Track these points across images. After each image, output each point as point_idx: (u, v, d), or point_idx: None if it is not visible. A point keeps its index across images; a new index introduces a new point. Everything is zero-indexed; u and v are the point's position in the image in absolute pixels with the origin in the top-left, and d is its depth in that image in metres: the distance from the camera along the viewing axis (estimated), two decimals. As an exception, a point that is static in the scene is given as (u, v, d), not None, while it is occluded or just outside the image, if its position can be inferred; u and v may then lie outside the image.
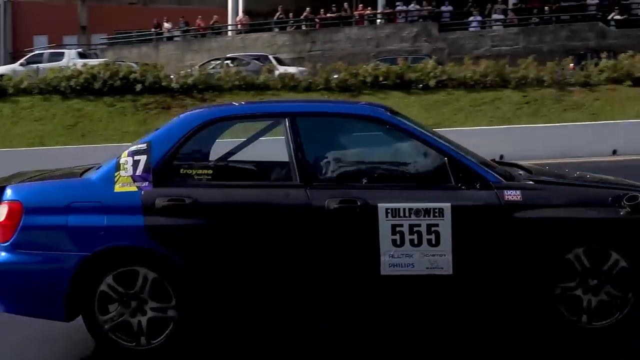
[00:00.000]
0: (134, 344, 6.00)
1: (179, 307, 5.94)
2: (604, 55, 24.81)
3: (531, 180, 6.20)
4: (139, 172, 5.96)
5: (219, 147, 6.70)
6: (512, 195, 5.94)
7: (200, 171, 6.10)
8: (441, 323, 6.55)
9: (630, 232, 6.04)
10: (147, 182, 5.93)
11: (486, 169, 6.09)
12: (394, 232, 5.86)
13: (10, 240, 5.88)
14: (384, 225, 5.83)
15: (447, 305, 6.28)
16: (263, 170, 6.66)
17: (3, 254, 5.90)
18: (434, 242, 5.86)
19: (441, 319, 6.62)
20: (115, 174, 5.99)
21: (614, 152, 19.53)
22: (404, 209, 5.86)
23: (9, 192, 6.00)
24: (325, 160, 6.22)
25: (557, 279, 6.04)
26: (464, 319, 6.57)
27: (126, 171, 5.98)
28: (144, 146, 6.05)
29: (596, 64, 23.80)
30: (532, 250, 5.91)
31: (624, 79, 22.77)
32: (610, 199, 6.06)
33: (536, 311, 6.15)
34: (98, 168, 6.24)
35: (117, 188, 5.92)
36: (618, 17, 35.07)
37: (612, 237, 6.06)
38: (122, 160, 6.03)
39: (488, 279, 5.96)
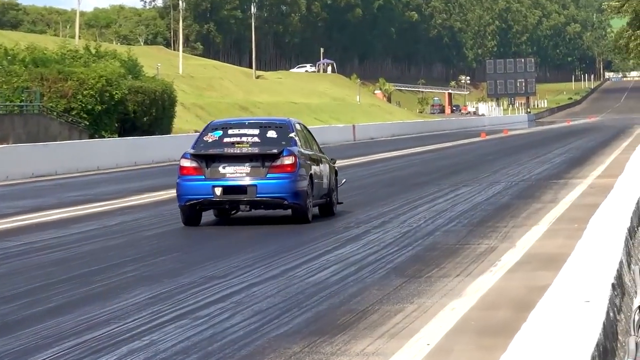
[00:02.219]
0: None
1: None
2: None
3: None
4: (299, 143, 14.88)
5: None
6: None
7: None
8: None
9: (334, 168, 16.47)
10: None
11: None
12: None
13: (295, 171, 14.24)
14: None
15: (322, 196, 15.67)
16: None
17: (294, 177, 14.24)
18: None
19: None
20: (299, 143, 14.86)
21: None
22: (321, 159, 15.75)
23: (290, 151, 14.40)
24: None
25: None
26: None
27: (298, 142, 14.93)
28: (292, 132, 15.02)
29: None
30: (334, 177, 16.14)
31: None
32: (330, 159, 16.43)
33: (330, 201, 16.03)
34: (290, 140, 14.78)
35: (300, 149, 14.75)
36: None
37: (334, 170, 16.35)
38: (295, 137, 14.86)
39: (333, 187, 15.99)
